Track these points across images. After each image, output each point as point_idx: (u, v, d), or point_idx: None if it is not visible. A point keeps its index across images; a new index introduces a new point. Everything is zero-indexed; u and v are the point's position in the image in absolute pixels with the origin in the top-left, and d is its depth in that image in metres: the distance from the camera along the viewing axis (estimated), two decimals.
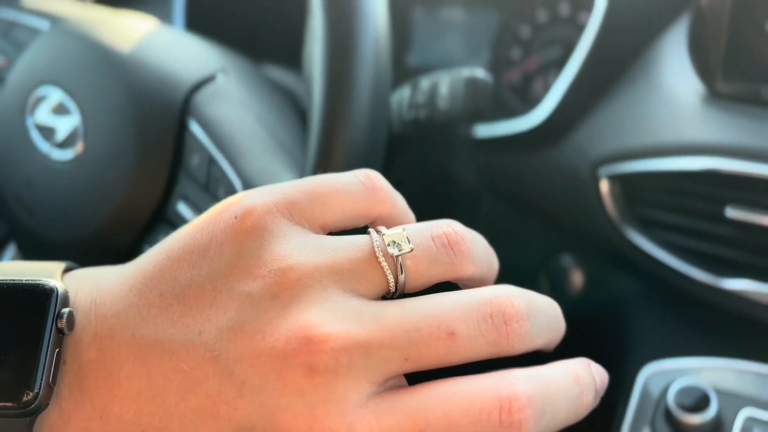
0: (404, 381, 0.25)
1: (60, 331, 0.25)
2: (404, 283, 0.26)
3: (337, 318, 0.24)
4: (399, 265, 0.26)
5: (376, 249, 0.26)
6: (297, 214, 0.27)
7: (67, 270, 0.28)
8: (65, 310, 0.25)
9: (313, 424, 0.23)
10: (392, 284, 0.26)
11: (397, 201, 0.30)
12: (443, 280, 0.27)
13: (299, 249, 0.26)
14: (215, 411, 0.24)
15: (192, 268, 0.26)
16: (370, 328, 0.24)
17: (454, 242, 0.27)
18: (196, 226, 0.27)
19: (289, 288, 0.25)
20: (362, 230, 0.28)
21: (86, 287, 0.27)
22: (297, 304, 0.24)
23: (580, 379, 0.26)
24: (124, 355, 0.25)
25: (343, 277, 0.25)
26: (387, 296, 0.27)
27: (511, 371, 0.25)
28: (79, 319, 0.26)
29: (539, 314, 0.26)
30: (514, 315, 0.25)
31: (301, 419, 0.23)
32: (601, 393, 0.27)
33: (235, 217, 0.26)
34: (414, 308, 0.25)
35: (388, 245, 0.26)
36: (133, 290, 0.26)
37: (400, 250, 0.26)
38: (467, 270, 0.27)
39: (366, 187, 0.28)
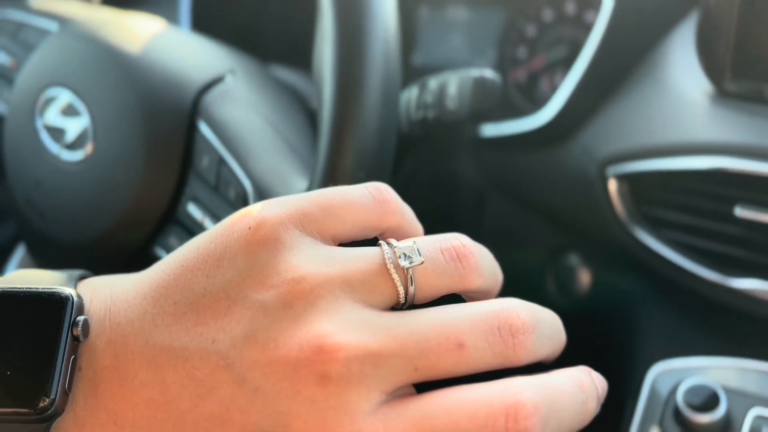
0: (413, 390, 0.26)
1: (75, 339, 0.26)
2: (414, 295, 0.27)
3: (349, 328, 0.25)
4: (409, 277, 0.26)
5: (387, 261, 0.27)
6: (309, 225, 0.27)
7: (81, 278, 0.29)
8: (81, 318, 0.26)
9: None
10: (402, 296, 0.27)
11: (406, 213, 0.30)
12: (451, 292, 0.28)
13: (312, 259, 0.26)
14: (228, 418, 0.24)
15: (206, 278, 0.26)
16: (381, 338, 0.25)
17: (463, 255, 0.28)
18: (211, 236, 0.27)
19: (302, 297, 0.25)
20: (372, 242, 0.29)
21: (101, 295, 0.27)
22: (310, 313, 0.25)
23: (584, 386, 0.26)
24: (138, 362, 0.26)
25: (355, 287, 0.26)
26: (396, 307, 0.27)
27: (517, 379, 0.25)
28: (93, 326, 0.26)
29: (543, 327, 0.27)
30: (520, 327, 0.26)
31: (312, 426, 0.24)
32: (602, 400, 0.27)
33: (249, 228, 0.27)
34: (424, 320, 0.25)
35: (399, 257, 0.27)
36: (147, 298, 0.27)
37: (411, 263, 0.27)
38: (474, 283, 0.28)
39: (376, 199, 0.29)
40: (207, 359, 0.25)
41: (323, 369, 0.24)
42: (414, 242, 0.27)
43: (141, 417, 0.25)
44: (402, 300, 0.27)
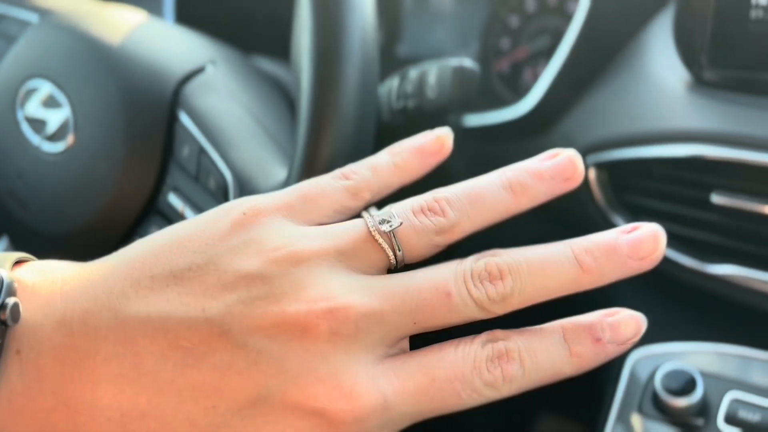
0: (408, 343, 0.28)
1: (3, 323, 0.24)
2: (403, 256, 0.28)
3: (351, 290, 0.26)
4: (394, 240, 0.28)
5: (371, 228, 0.28)
6: (296, 215, 0.29)
7: (20, 261, 0.27)
8: (10, 300, 0.24)
9: (339, 383, 0.25)
10: (392, 258, 0.28)
11: (374, 184, 0.31)
12: (441, 247, 0.29)
13: (305, 235, 0.27)
14: (223, 384, 0.24)
15: (192, 253, 0.26)
16: (382, 297, 0.26)
17: (435, 210, 0.29)
18: (199, 220, 0.28)
19: (300, 264, 0.26)
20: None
21: (48, 277, 0.26)
22: (311, 278, 0.26)
23: (567, 333, 0.28)
24: (102, 337, 0.25)
25: (349, 256, 0.27)
26: (391, 270, 0.29)
27: (500, 331, 0.28)
28: (39, 306, 0.25)
29: (525, 269, 0.28)
30: (486, 276, 0.27)
31: (326, 380, 0.25)
32: (619, 339, 0.29)
33: (244, 213, 0.27)
34: (416, 277, 0.27)
35: (380, 224, 0.28)
36: (116, 274, 0.26)
37: (391, 226, 0.28)
38: (455, 234, 0.29)
39: (344, 185, 0.30)
40: (195, 328, 0.25)
41: (335, 326, 0.25)
42: (391, 208, 0.29)
43: (103, 395, 0.24)
44: (393, 262, 0.28)
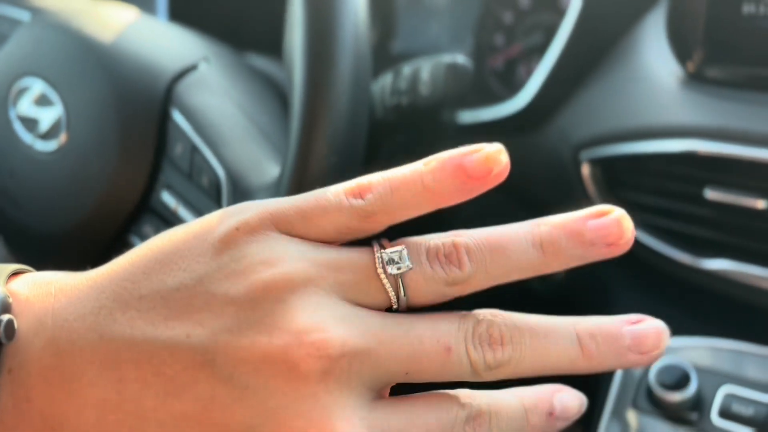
0: (388, 390, 0.26)
1: None
2: (406, 301, 0.26)
3: (344, 322, 0.24)
4: (400, 283, 0.26)
5: (378, 265, 0.26)
6: (292, 230, 0.26)
7: (16, 273, 0.26)
8: (4, 317, 0.23)
9: (331, 429, 0.23)
10: (394, 301, 0.26)
11: (392, 205, 0.27)
12: (449, 298, 0.27)
13: (302, 257, 0.25)
14: (206, 417, 0.23)
15: (182, 271, 0.25)
16: (378, 338, 0.24)
17: (452, 259, 0.26)
18: (190, 231, 0.26)
19: (294, 292, 0.24)
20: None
21: (42, 291, 0.25)
22: (305, 308, 0.24)
23: (525, 402, 0.27)
24: (87, 359, 0.24)
25: (348, 288, 0.25)
26: (390, 310, 0.26)
27: (474, 391, 0.26)
28: (31, 324, 0.24)
29: (522, 341, 0.26)
30: (486, 338, 0.25)
31: (315, 424, 0.23)
32: (566, 415, 0.27)
33: (237, 229, 0.25)
34: (418, 323, 0.25)
35: (387, 263, 0.25)
36: (106, 292, 0.25)
37: (398, 269, 0.25)
38: (469, 286, 0.26)
39: (356, 209, 0.26)
40: (179, 355, 0.23)
41: (327, 366, 0.23)
42: (403, 247, 0.26)
43: (86, 420, 0.23)
44: (394, 305, 0.26)
